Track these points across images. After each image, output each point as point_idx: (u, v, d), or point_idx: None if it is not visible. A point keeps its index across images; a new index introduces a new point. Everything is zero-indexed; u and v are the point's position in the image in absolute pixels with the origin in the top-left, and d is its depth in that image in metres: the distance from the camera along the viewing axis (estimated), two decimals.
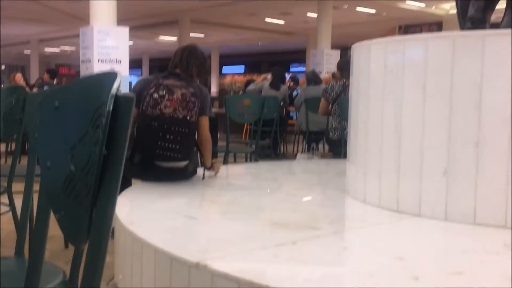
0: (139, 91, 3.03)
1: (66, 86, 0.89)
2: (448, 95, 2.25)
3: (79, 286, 0.85)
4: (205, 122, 3.13)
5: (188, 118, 2.98)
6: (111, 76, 0.72)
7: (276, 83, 7.21)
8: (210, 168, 3.26)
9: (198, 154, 3.25)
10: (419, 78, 2.34)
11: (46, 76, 9.86)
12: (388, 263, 1.76)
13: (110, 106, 0.69)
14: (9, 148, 6.50)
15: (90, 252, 0.76)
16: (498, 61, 2.17)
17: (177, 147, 2.96)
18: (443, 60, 2.27)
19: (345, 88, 4.91)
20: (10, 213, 2.69)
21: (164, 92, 2.98)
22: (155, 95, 2.97)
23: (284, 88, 7.38)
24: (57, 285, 1.25)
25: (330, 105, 5.11)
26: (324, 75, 9.19)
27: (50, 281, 1.26)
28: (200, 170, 3.24)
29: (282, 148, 7.78)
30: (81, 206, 0.77)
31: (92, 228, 0.72)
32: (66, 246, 3.03)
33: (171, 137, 2.95)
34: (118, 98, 0.70)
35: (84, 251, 0.84)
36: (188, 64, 3.18)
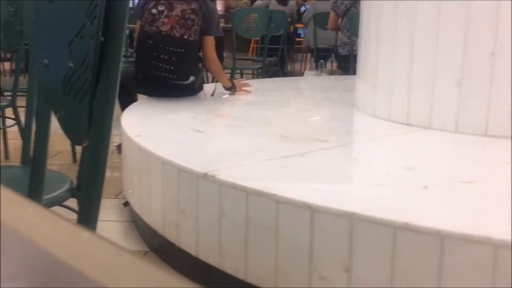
0: (144, 3, 2.90)
1: None
2: (465, 3, 2.15)
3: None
4: (209, 42, 2.92)
5: (186, 37, 2.78)
6: None
7: None
8: (232, 88, 3.12)
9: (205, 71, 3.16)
10: None
11: None
12: (397, 173, 1.74)
13: None
14: (13, 67, 6.42)
15: (92, 150, 0.73)
16: None
17: (172, 67, 2.79)
18: None
19: (355, 1, 4.74)
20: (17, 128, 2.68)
21: (163, 7, 2.80)
22: (154, 10, 2.80)
23: (291, 3, 7.16)
24: (64, 191, 1.24)
25: (340, 19, 4.96)
26: None
27: (57, 188, 1.26)
28: (207, 86, 3.18)
29: (289, 66, 7.67)
30: (82, 102, 0.73)
31: (93, 123, 0.69)
32: (74, 161, 3.04)
33: (166, 57, 2.78)
34: None
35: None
36: None
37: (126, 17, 0.66)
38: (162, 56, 2.78)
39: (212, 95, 3.12)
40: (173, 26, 2.76)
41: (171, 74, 2.81)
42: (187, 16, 2.77)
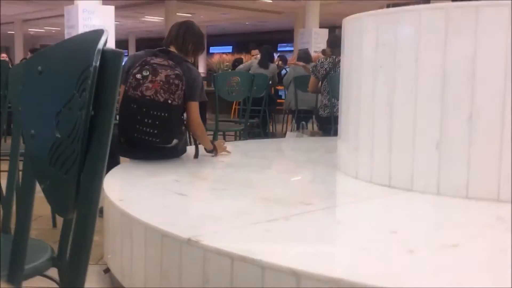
0: (128, 68, 2.94)
1: (49, 49, 0.84)
2: (441, 68, 2.22)
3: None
4: (194, 107, 2.97)
5: (170, 101, 2.81)
6: (97, 33, 0.67)
7: (265, 61, 7.15)
8: (213, 151, 3.17)
9: (188, 134, 3.19)
10: (412, 51, 2.30)
11: (29, 56, 9.70)
12: (382, 237, 1.74)
13: (97, 62, 0.65)
14: None
15: (78, 223, 0.72)
16: (492, 33, 2.13)
17: (155, 131, 2.80)
18: (436, 32, 2.24)
19: (335, 65, 4.86)
20: None
21: (148, 72, 2.83)
22: (138, 76, 2.84)
23: (272, 66, 7.33)
24: (45, 261, 1.21)
25: (320, 82, 5.07)
26: (312, 54, 9.14)
27: (38, 258, 1.23)
28: (190, 149, 3.19)
29: (271, 127, 7.75)
30: (68, 174, 0.73)
31: (80, 196, 0.68)
32: (54, 225, 2.98)
33: (149, 121, 2.79)
34: (105, 53, 0.66)
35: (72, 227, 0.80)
36: (184, 41, 3.07)
37: (117, 91, 0.67)
38: (146, 120, 2.79)
39: (196, 157, 3.13)
40: (157, 91, 2.79)
41: (154, 137, 2.81)
42: (171, 81, 2.81)
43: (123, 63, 3.15)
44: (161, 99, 2.79)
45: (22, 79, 0.89)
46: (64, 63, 0.79)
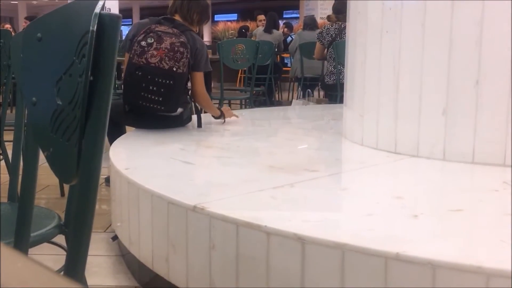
0: (133, 35, 2.92)
1: (48, 15, 0.83)
2: (448, 33, 2.19)
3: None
4: (198, 77, 2.97)
5: (175, 69, 2.78)
6: None
7: (269, 27, 7.09)
8: (221, 117, 3.23)
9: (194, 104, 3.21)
10: (418, 15, 2.27)
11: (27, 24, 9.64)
12: (387, 202, 1.74)
13: (94, 26, 0.64)
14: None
15: (81, 189, 0.72)
16: None
17: (160, 99, 2.79)
18: None
19: (341, 31, 4.81)
20: (3, 162, 2.65)
21: (153, 40, 2.81)
22: (143, 43, 2.81)
23: (277, 33, 7.27)
24: (52, 228, 1.23)
25: (326, 49, 5.02)
26: (318, 21, 9.04)
27: (45, 225, 1.24)
28: (196, 117, 3.19)
29: (277, 95, 7.73)
30: (70, 141, 0.73)
31: (82, 162, 0.68)
32: (62, 195, 3.01)
33: (154, 88, 2.77)
34: (103, 18, 0.65)
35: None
36: (189, 10, 3.04)
37: (115, 56, 0.66)
38: (150, 87, 2.78)
39: (199, 126, 3.13)
40: (162, 58, 2.77)
41: (159, 105, 2.80)
42: (176, 48, 2.79)
43: (127, 31, 3.15)
44: (166, 67, 2.77)
45: (22, 46, 0.88)
46: (63, 29, 0.78)
